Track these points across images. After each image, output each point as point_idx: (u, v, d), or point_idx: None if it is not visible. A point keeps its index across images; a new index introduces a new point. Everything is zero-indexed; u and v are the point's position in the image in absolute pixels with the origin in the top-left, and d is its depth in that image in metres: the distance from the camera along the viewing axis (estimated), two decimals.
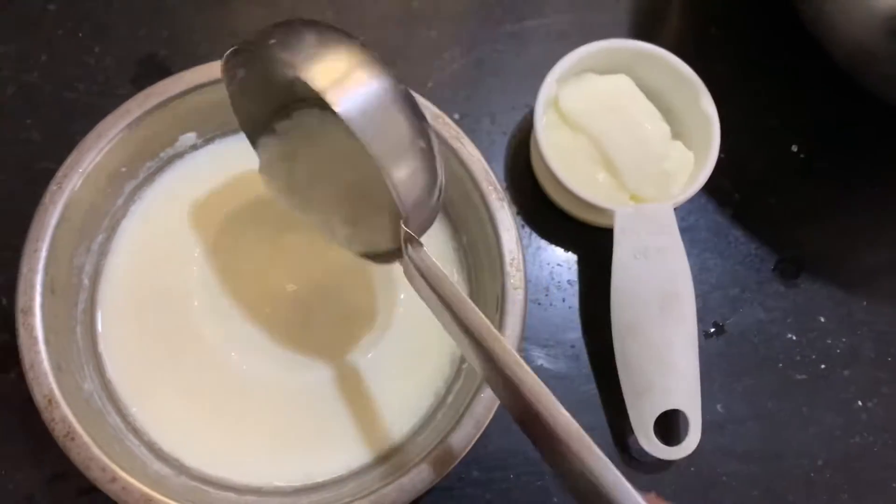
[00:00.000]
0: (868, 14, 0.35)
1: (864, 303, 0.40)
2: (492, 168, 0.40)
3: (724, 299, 0.39)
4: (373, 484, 0.29)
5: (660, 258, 0.35)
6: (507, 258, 0.32)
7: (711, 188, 0.40)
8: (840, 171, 0.42)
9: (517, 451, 0.36)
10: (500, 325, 0.31)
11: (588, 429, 0.36)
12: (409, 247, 0.26)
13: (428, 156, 0.26)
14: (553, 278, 0.39)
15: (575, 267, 0.39)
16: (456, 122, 0.40)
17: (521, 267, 0.32)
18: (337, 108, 0.24)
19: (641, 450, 0.35)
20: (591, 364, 0.37)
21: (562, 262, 0.39)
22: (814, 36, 0.40)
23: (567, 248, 0.39)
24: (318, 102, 0.29)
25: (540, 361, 0.37)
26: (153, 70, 0.40)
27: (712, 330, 0.38)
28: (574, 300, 0.38)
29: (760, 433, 0.37)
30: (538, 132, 0.36)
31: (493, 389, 0.26)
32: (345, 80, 0.25)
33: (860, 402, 0.38)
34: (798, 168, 0.42)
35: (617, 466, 0.36)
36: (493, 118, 0.41)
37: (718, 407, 0.37)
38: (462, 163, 0.33)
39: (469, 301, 0.25)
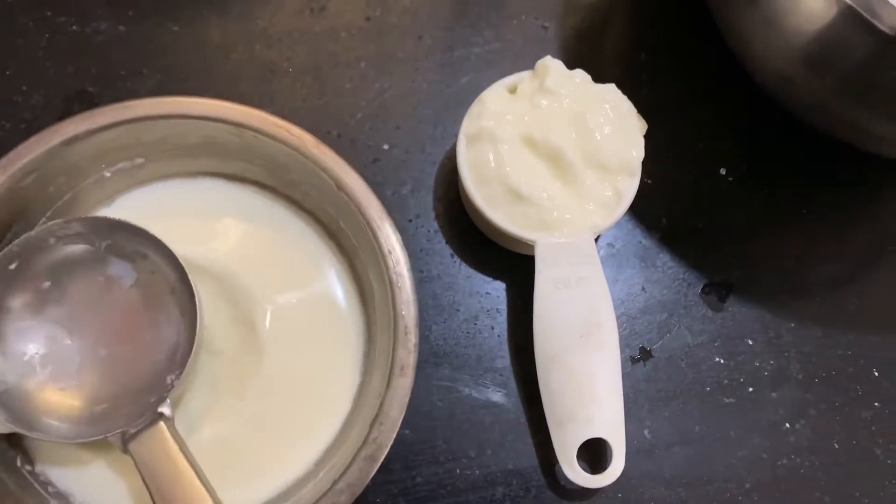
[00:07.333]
0: (785, 44, 0.36)
1: (792, 325, 0.40)
2: (421, 198, 0.41)
3: (652, 324, 0.39)
4: None
5: (581, 288, 0.35)
6: (392, 268, 0.32)
7: (639, 213, 0.41)
8: (768, 193, 0.42)
9: (444, 483, 0.36)
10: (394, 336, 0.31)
11: (515, 457, 0.37)
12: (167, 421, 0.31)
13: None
14: (482, 307, 0.39)
15: (503, 295, 0.39)
16: (385, 152, 0.41)
17: (407, 276, 0.32)
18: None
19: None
20: (519, 392, 0.38)
21: (490, 290, 0.39)
22: (739, 62, 0.40)
23: (496, 277, 0.39)
24: None
25: (468, 391, 0.37)
26: (82, 107, 0.40)
27: (639, 356, 0.39)
28: (503, 328, 0.39)
29: (688, 458, 0.37)
30: (461, 165, 0.36)
31: None
32: None
33: (788, 425, 0.38)
34: (726, 191, 0.42)
35: (544, 493, 0.37)
36: (423, 148, 0.41)
37: (646, 432, 0.38)
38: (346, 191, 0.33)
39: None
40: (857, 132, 0.38)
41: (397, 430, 0.30)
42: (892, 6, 0.30)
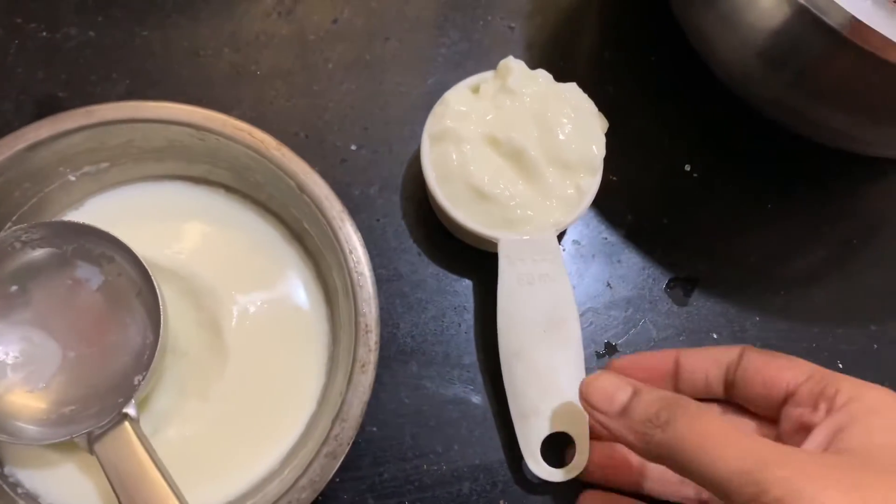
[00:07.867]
0: (742, 41, 0.36)
1: (757, 318, 0.40)
2: (389, 197, 0.41)
3: (617, 320, 0.40)
4: None
5: (544, 284, 0.36)
6: (353, 267, 0.32)
7: (604, 209, 0.42)
8: (733, 189, 0.43)
9: (411, 479, 0.36)
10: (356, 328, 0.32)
11: (482, 452, 0.37)
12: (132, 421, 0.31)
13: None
14: (450, 304, 0.39)
15: (470, 292, 0.40)
16: (353, 152, 0.41)
17: (368, 275, 0.33)
18: None
19: None
20: (486, 388, 0.38)
21: (458, 288, 0.40)
22: (701, 59, 0.41)
23: (463, 275, 0.40)
24: None
25: (435, 387, 0.38)
26: (53, 112, 0.41)
27: (604, 351, 0.39)
28: (470, 325, 0.39)
29: None
30: (425, 164, 0.37)
31: None
32: None
33: None
34: (691, 187, 0.43)
35: (511, 488, 0.37)
36: (391, 148, 0.42)
37: None
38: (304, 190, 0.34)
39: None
40: (815, 127, 0.38)
41: (358, 426, 0.31)
42: (838, 4, 0.31)
